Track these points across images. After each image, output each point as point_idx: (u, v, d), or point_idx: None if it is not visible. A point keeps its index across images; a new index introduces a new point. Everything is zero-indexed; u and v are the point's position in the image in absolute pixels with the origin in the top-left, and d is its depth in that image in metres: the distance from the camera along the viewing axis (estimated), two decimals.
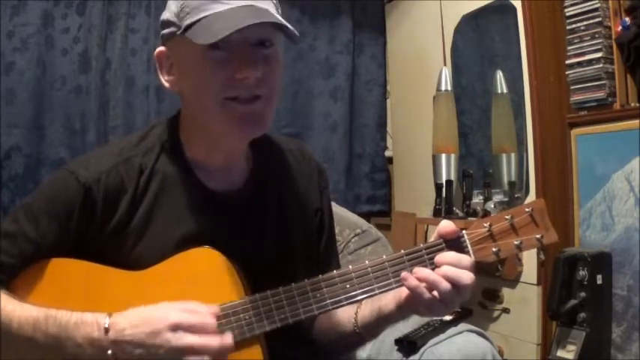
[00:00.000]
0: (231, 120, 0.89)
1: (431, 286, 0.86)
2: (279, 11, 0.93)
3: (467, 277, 0.85)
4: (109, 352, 0.81)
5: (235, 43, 0.86)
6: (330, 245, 1.13)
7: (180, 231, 0.94)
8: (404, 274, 0.87)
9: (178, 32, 0.88)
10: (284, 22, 0.87)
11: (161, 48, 0.95)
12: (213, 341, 0.81)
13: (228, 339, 0.83)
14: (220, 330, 0.85)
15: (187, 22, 0.87)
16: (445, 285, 0.85)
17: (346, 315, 1.01)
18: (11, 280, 0.90)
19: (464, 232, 0.92)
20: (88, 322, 0.82)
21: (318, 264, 1.05)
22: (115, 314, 0.83)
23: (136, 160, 0.96)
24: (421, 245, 0.90)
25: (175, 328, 0.80)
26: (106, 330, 0.81)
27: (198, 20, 0.86)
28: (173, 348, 0.80)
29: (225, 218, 0.97)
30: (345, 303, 0.89)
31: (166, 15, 0.92)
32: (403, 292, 0.90)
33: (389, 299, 0.93)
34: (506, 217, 0.92)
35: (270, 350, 0.91)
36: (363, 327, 0.99)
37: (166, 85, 0.96)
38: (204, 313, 0.83)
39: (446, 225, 0.90)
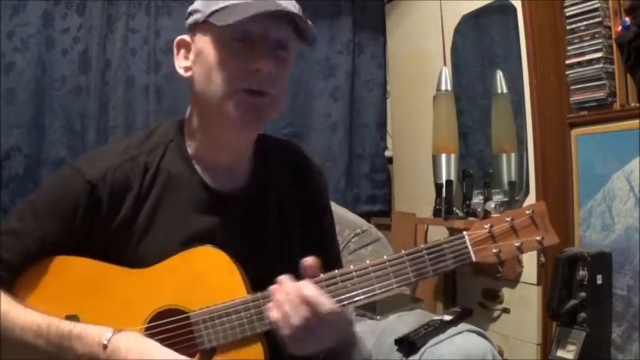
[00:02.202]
0: (237, 110, 0.90)
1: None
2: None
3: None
4: None
5: (255, 36, 0.90)
6: (331, 245, 1.14)
7: (185, 230, 0.95)
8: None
9: (202, 18, 0.91)
10: (303, 17, 0.90)
11: (183, 36, 0.97)
12: None
13: None
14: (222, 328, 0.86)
15: (213, 8, 0.90)
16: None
17: None
18: (16, 277, 0.91)
19: (464, 233, 0.92)
20: (90, 335, 0.84)
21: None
22: (118, 333, 0.84)
23: (140, 158, 0.97)
24: (422, 246, 0.91)
25: None
26: (104, 346, 0.82)
27: (225, 7, 0.89)
28: None
29: (229, 217, 0.98)
30: (346, 303, 0.89)
31: (194, 5, 0.95)
32: None
33: None
34: (507, 218, 0.92)
35: (271, 349, 0.91)
36: None
37: (180, 71, 0.97)
38: None
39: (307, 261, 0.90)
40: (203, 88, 0.93)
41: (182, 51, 0.97)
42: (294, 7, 0.92)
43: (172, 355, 0.85)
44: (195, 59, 0.94)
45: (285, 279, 0.88)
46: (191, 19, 0.95)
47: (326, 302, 0.85)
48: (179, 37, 0.98)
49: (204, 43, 0.93)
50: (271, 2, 0.89)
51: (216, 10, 0.89)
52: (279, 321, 0.85)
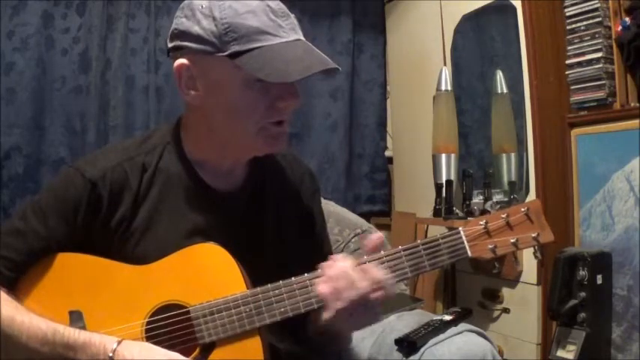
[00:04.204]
0: (266, 140, 0.94)
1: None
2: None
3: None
4: None
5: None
6: (325, 246, 1.16)
7: (186, 228, 0.97)
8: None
9: (219, 54, 0.87)
10: (336, 65, 0.93)
11: (183, 61, 0.91)
12: None
13: None
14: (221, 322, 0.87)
15: (235, 48, 0.87)
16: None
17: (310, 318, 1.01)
18: (20, 276, 0.93)
19: (460, 228, 0.93)
20: (95, 344, 0.85)
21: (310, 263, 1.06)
22: (124, 342, 0.85)
23: (139, 158, 0.98)
24: (418, 241, 0.92)
25: None
26: (111, 358, 0.83)
27: (249, 50, 0.87)
28: None
29: (228, 215, 1.00)
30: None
31: (195, 29, 0.89)
32: None
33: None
34: (502, 215, 0.93)
35: (270, 343, 0.93)
36: (314, 330, 0.98)
37: (187, 99, 0.95)
38: None
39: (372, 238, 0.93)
40: (226, 123, 0.93)
41: (184, 77, 0.92)
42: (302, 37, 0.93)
43: (177, 356, 0.86)
44: (209, 91, 0.92)
45: (338, 257, 0.91)
46: (197, 47, 0.89)
47: (392, 281, 0.88)
48: (179, 63, 0.91)
49: (219, 77, 0.90)
50: (300, 46, 0.90)
51: (241, 52, 0.86)
52: (328, 295, 0.87)
